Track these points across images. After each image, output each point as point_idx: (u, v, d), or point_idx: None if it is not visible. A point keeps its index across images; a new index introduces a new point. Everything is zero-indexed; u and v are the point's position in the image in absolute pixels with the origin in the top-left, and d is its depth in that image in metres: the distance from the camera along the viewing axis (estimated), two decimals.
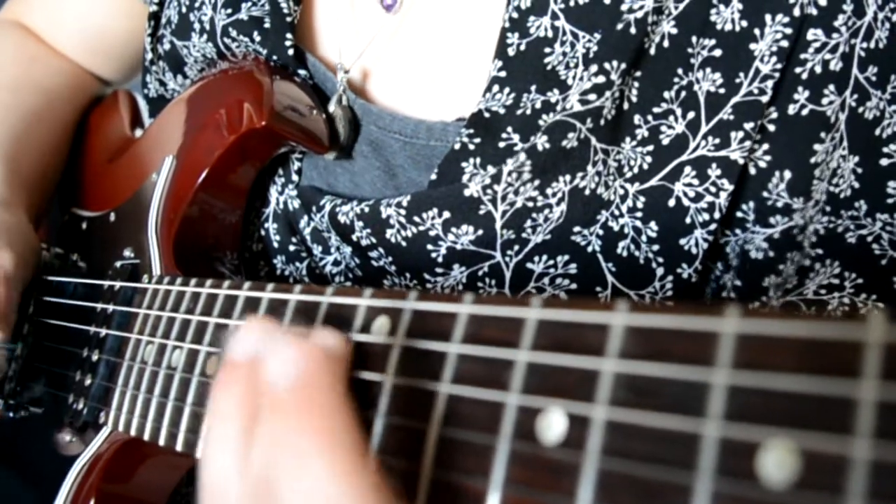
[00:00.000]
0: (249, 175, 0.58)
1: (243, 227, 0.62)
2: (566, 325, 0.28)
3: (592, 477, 0.26)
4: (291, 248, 0.60)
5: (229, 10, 0.59)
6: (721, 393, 0.24)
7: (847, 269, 0.49)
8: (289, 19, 0.57)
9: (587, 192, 0.49)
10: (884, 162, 0.48)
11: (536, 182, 0.49)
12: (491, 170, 0.49)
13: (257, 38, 0.58)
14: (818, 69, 0.47)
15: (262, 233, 0.62)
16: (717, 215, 0.48)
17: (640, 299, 0.50)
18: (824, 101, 0.47)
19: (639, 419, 0.25)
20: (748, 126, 0.47)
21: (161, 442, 0.46)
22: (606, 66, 0.48)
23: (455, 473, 0.29)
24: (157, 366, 0.48)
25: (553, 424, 0.27)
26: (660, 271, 0.50)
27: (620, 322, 0.27)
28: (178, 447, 0.44)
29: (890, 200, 0.49)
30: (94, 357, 0.56)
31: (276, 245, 0.61)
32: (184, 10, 0.63)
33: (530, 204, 0.49)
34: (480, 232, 0.50)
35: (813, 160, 0.47)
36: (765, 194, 0.48)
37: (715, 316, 0.25)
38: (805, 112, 0.47)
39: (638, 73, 0.49)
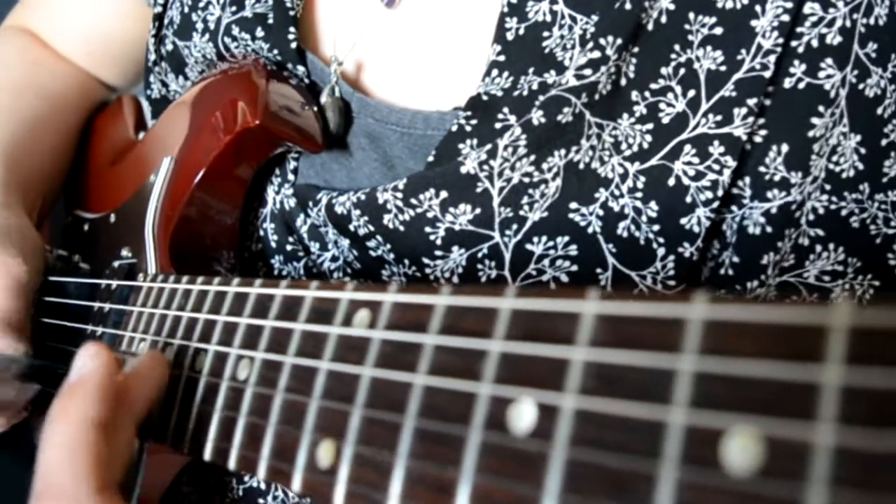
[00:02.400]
0: (246, 175, 0.59)
1: (242, 228, 0.62)
2: (539, 315, 0.28)
3: (560, 467, 0.25)
4: (289, 247, 0.61)
5: (234, 8, 0.60)
6: (687, 379, 0.23)
7: (851, 254, 0.49)
8: (292, 13, 0.58)
9: (581, 165, 0.49)
10: (883, 142, 0.49)
11: (532, 157, 0.49)
12: (487, 146, 0.49)
13: (260, 34, 0.58)
14: (815, 43, 0.47)
15: (261, 233, 0.62)
16: (720, 193, 0.48)
17: (641, 280, 0.50)
18: (821, 74, 0.47)
19: (606, 408, 0.25)
20: (751, 102, 0.47)
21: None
22: (602, 41, 0.49)
23: (428, 464, 0.29)
24: None
25: (523, 414, 0.27)
26: (661, 251, 0.49)
27: (591, 310, 0.26)
28: (168, 443, 0.44)
29: (884, 179, 0.49)
30: None
31: (273, 245, 0.61)
32: (186, 10, 0.64)
33: (526, 180, 0.49)
34: (478, 210, 0.50)
35: (811, 134, 0.47)
36: (762, 169, 0.48)
37: (682, 302, 0.24)
38: (802, 85, 0.47)
39: (636, 50, 0.49)
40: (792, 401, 0.21)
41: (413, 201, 0.51)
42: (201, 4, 0.62)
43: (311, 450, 0.34)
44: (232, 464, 0.39)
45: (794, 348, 0.22)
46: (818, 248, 0.49)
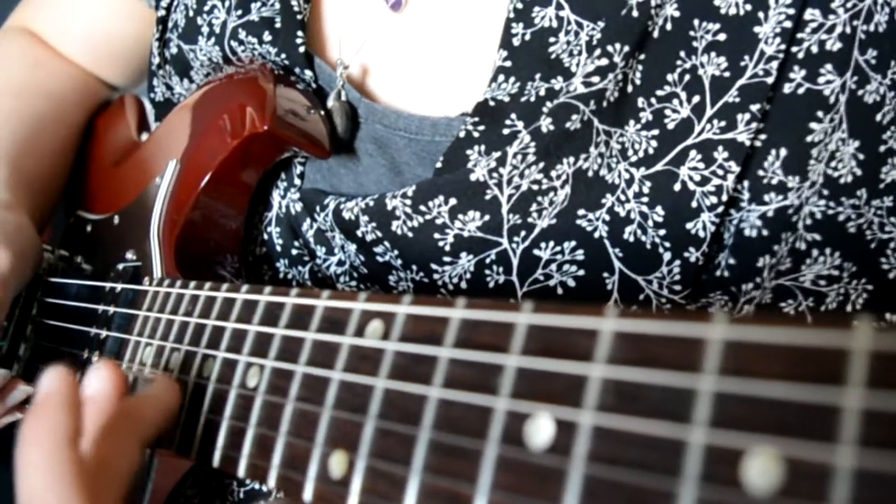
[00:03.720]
0: (252, 179, 0.59)
1: (246, 231, 0.62)
2: (556, 331, 0.28)
3: (578, 483, 0.25)
4: (294, 251, 0.61)
5: (240, 12, 0.60)
6: (707, 399, 0.23)
7: (846, 259, 0.50)
8: (299, 17, 0.58)
9: (590, 173, 0.50)
10: (882, 148, 0.49)
11: (541, 165, 0.49)
12: (496, 154, 0.49)
13: (267, 38, 0.58)
14: (814, 49, 0.48)
15: (265, 237, 0.62)
16: (724, 198, 0.49)
17: (647, 284, 0.50)
18: (821, 80, 0.48)
19: (625, 425, 0.25)
20: (754, 108, 0.48)
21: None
22: (609, 48, 0.49)
23: (443, 478, 0.29)
24: (156, 367, 0.49)
25: (541, 430, 0.27)
26: (667, 256, 0.50)
27: (609, 327, 0.27)
28: (174, 449, 0.45)
29: (881, 185, 0.49)
30: (95, 358, 0.57)
31: (278, 249, 0.61)
32: (191, 13, 0.64)
33: (535, 187, 0.50)
34: (487, 217, 0.50)
35: (809, 139, 0.48)
36: (760, 172, 0.49)
37: (702, 322, 0.24)
38: (801, 91, 0.48)
39: (642, 57, 0.50)
40: (813, 423, 0.21)
41: (422, 208, 0.51)
42: (206, 8, 0.62)
43: (324, 460, 0.34)
44: (241, 472, 0.39)
45: (814, 371, 0.22)
46: (815, 252, 0.50)
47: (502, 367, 0.29)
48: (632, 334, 0.26)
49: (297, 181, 0.60)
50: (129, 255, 0.60)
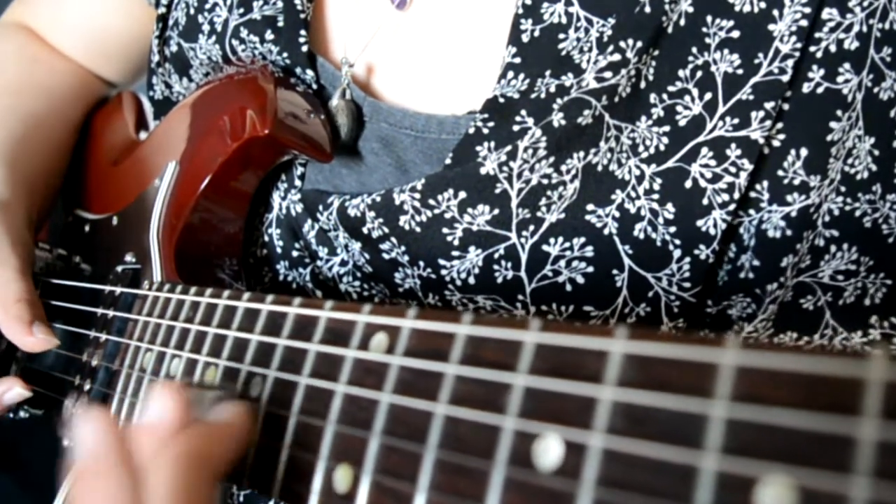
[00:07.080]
0: (252, 182, 0.58)
1: (247, 233, 0.62)
2: (564, 350, 0.28)
3: None
4: (294, 253, 0.60)
5: (241, 10, 0.59)
6: (719, 425, 0.23)
7: (863, 253, 0.50)
8: (302, 16, 0.57)
9: (599, 167, 0.50)
10: (895, 144, 0.49)
11: (551, 159, 0.49)
12: (506, 148, 0.49)
13: (269, 37, 0.58)
14: (833, 48, 0.48)
15: (266, 238, 0.62)
16: (736, 195, 0.49)
17: (657, 281, 0.50)
18: (839, 79, 0.48)
19: (635, 449, 0.25)
20: (769, 105, 0.48)
21: None
22: (622, 44, 0.49)
23: (450, 496, 0.29)
24: (156, 374, 0.48)
25: (549, 451, 0.27)
26: (677, 253, 0.50)
27: (619, 349, 0.26)
28: None
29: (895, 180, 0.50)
30: (94, 362, 0.56)
31: (279, 251, 0.61)
32: (192, 11, 0.63)
33: (545, 181, 0.50)
34: (497, 211, 0.50)
35: (829, 138, 0.48)
36: (780, 173, 0.49)
37: (715, 347, 0.24)
38: (820, 90, 0.48)
39: (656, 52, 0.50)
40: (827, 452, 0.21)
41: (431, 202, 0.51)
42: (207, 6, 0.62)
43: (328, 474, 0.34)
44: (244, 483, 0.39)
45: (829, 400, 0.22)
46: (833, 248, 0.50)
47: (510, 386, 0.29)
48: (642, 357, 0.26)
49: (297, 182, 0.60)
50: (129, 258, 0.60)
